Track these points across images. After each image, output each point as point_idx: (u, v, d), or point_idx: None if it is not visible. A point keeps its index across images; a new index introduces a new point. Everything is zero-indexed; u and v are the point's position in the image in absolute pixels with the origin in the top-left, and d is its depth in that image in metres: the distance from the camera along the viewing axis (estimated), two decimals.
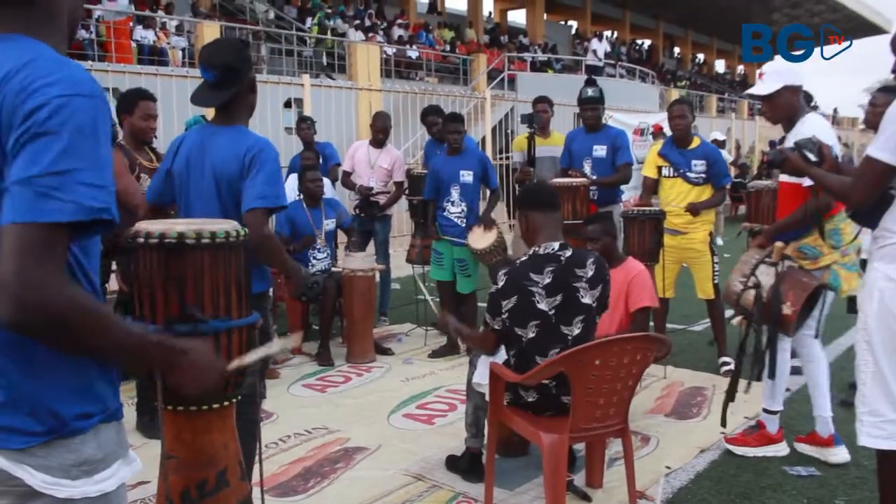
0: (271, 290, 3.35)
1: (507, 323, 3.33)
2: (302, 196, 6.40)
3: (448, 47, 23.48)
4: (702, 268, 5.78)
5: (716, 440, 4.30)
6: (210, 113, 3.32)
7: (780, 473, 3.91)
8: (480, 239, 5.93)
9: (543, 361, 3.21)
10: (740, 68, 47.22)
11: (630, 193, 10.36)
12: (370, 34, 20.54)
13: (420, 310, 7.16)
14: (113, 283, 4.49)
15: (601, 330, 3.89)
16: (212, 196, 3.09)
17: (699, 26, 40.93)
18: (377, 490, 3.73)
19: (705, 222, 5.82)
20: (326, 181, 6.77)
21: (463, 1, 29.63)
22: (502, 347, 3.48)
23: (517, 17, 35.79)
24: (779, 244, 3.96)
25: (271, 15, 18.96)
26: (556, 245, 3.36)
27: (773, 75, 4.05)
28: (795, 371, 4.55)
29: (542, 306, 3.28)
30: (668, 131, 6.55)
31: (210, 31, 13.42)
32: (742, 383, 4.05)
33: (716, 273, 5.73)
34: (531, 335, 3.29)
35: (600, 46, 24.63)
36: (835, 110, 39.38)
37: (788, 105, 3.97)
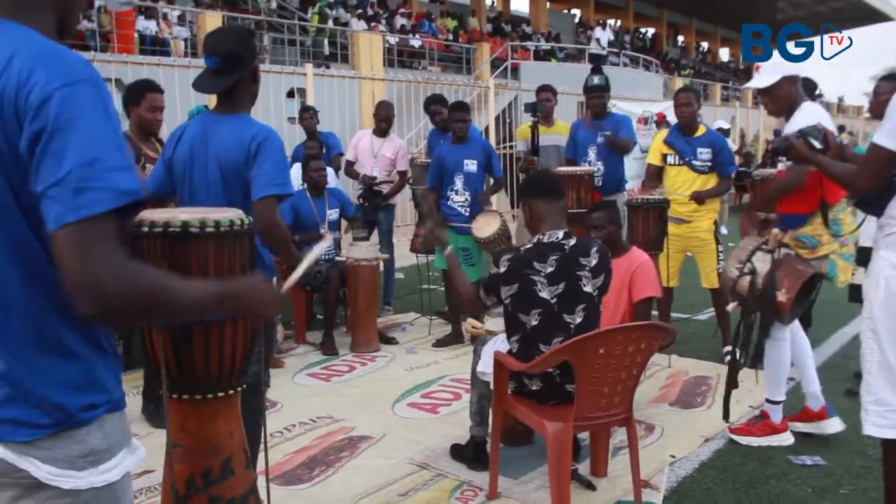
0: (275, 279, 3.34)
1: (510, 308, 3.33)
2: (305, 185, 6.40)
3: (451, 36, 23.42)
4: (706, 256, 5.76)
5: (720, 429, 4.29)
6: (213, 103, 3.31)
7: (785, 463, 3.90)
8: (484, 227, 5.93)
9: (547, 349, 3.21)
10: None
11: (634, 182, 10.34)
12: (373, 23, 20.48)
13: (424, 299, 7.16)
14: None
15: (605, 319, 3.89)
16: (216, 184, 3.08)
17: (703, 15, 40.74)
18: (382, 479, 3.73)
19: (710, 211, 5.81)
20: (330, 171, 6.76)
21: None
22: (503, 337, 3.49)
23: (520, 5, 35.86)
24: (776, 231, 3.95)
25: (273, 4, 18.90)
26: (561, 233, 3.36)
27: (771, 67, 4.05)
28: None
29: (544, 295, 3.27)
30: (671, 120, 6.53)
31: (212, 20, 13.39)
32: (751, 373, 4.05)
33: (720, 262, 5.71)
34: (534, 322, 3.28)
35: (604, 35, 24.54)
36: (839, 99, 39.25)
37: (788, 96, 3.96)
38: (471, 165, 6.23)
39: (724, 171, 5.81)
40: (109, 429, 1.42)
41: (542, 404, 3.34)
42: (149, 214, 2.25)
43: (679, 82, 24.37)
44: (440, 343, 6.27)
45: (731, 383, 4.14)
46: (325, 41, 17.71)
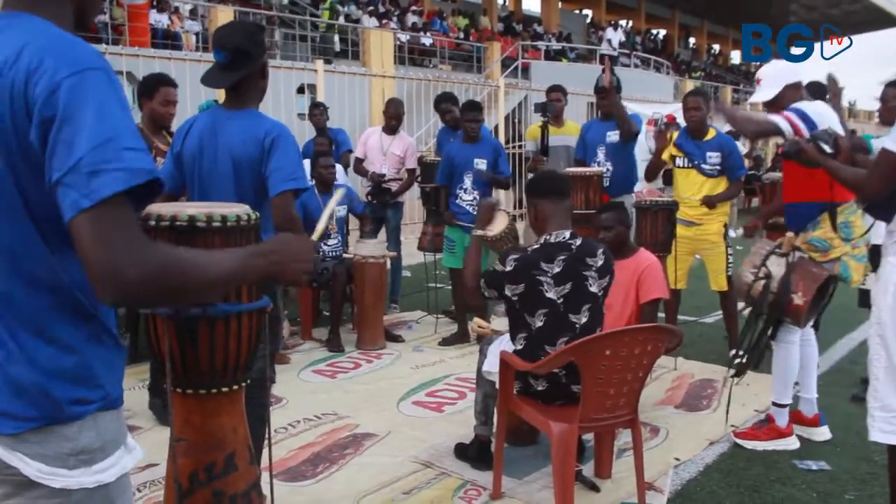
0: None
1: (517, 307, 3.32)
2: (314, 182, 6.40)
3: (462, 35, 23.40)
4: (716, 259, 5.75)
5: (725, 433, 4.28)
6: (223, 98, 3.31)
7: (790, 467, 3.89)
8: (492, 226, 5.92)
9: (552, 350, 3.21)
10: None
11: (643, 184, 10.31)
12: (384, 21, 20.48)
13: (431, 297, 7.16)
14: None
15: (611, 321, 3.88)
16: (228, 179, 3.09)
17: (715, 17, 40.61)
18: (386, 476, 3.73)
19: (720, 214, 5.79)
20: (339, 167, 6.77)
21: None
22: (509, 337, 3.48)
23: (532, 5, 35.73)
24: (790, 235, 3.95)
25: (285, 0, 18.91)
26: (567, 233, 3.35)
27: (771, 79, 4.05)
28: None
29: (551, 295, 3.27)
30: (681, 121, 6.51)
31: (224, 15, 13.40)
32: (757, 377, 4.04)
33: (730, 265, 5.70)
34: (539, 323, 3.28)
35: (615, 36, 24.53)
36: (850, 103, 39.07)
37: (792, 103, 3.95)
38: (480, 165, 6.23)
39: (734, 174, 5.79)
40: (104, 427, 1.38)
41: (547, 405, 3.33)
42: (156, 208, 2.25)
43: (690, 84, 24.28)
44: (446, 342, 6.26)
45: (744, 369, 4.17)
46: (336, 38, 17.71)
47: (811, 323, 4.18)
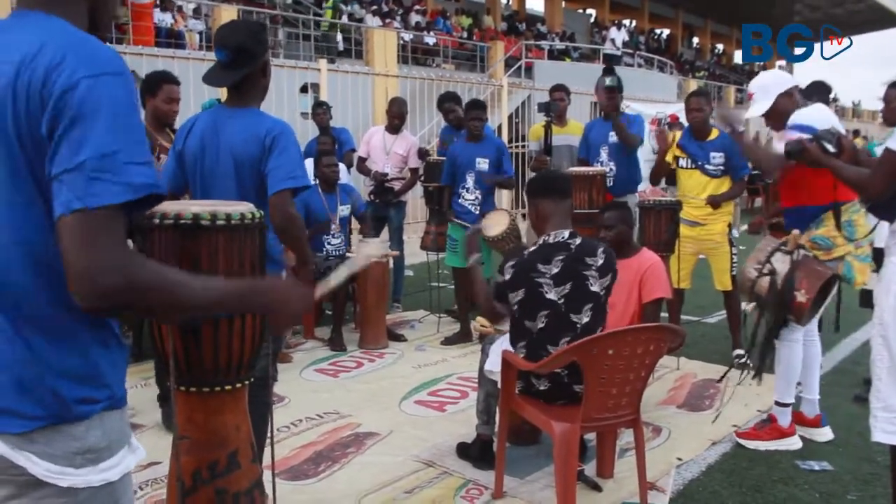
0: (284, 273, 3.34)
1: (517, 315, 3.32)
2: (317, 181, 6.41)
3: (465, 34, 23.37)
4: (720, 259, 5.75)
5: (728, 433, 4.28)
6: (226, 97, 3.31)
7: (793, 467, 3.88)
8: (494, 226, 5.92)
9: (554, 350, 3.21)
10: None
11: (646, 184, 10.31)
12: (387, 20, 20.48)
13: (433, 297, 7.16)
14: None
15: (614, 320, 3.88)
16: (228, 176, 3.09)
17: (719, 16, 40.54)
18: (388, 476, 3.74)
19: (724, 214, 5.78)
20: (342, 166, 6.77)
21: None
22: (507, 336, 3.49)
23: (535, 4, 35.71)
24: (795, 232, 3.95)
25: None
26: (566, 233, 3.35)
27: (762, 92, 4.06)
28: None
29: (551, 296, 3.27)
30: (684, 121, 6.51)
31: (227, 14, 13.40)
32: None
33: (734, 264, 5.69)
34: (540, 325, 3.28)
35: (619, 35, 24.50)
36: (853, 103, 39.01)
37: (786, 110, 3.97)
38: (483, 164, 6.22)
39: (737, 174, 5.78)
40: (110, 426, 1.38)
41: (549, 404, 3.33)
42: (160, 206, 2.25)
43: (693, 84, 24.25)
44: (448, 341, 6.27)
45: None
46: (340, 37, 17.71)
47: (815, 322, 4.18)
